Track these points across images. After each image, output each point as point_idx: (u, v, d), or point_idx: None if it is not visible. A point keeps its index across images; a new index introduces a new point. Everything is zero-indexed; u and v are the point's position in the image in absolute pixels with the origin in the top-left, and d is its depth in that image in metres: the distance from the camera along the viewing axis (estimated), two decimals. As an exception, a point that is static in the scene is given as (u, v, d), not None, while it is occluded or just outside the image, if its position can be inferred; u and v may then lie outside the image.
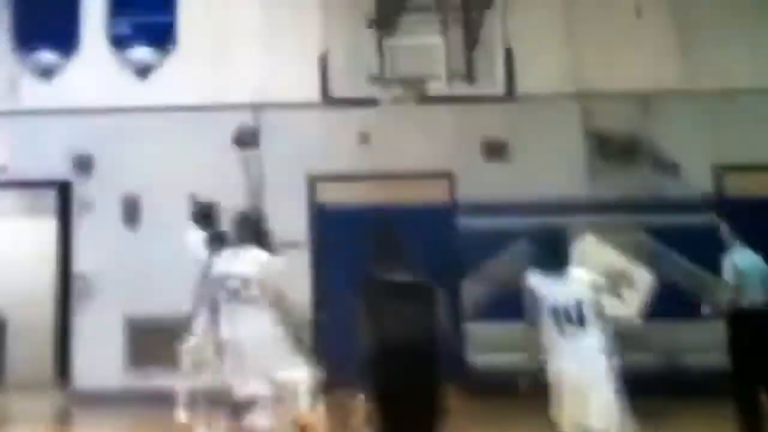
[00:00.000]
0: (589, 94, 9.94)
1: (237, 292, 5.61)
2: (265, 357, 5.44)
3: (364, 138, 9.94)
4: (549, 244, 5.34)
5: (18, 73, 10.07)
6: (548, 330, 5.08)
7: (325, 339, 9.38)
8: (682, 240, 9.88)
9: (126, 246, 9.82)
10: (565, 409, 4.98)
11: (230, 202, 9.58)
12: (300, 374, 5.68)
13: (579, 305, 5.06)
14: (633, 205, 9.90)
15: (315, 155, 9.85)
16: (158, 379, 9.32)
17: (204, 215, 7.24)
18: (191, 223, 7.35)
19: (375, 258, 5.25)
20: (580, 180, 9.90)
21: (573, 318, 5.04)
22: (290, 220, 9.86)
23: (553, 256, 5.26)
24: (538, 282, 5.18)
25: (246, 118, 9.86)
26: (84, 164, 9.93)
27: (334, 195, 9.98)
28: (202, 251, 6.81)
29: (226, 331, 5.63)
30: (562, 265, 5.26)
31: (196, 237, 7.07)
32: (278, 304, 5.53)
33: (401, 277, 4.94)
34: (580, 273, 5.27)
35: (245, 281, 5.58)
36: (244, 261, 5.67)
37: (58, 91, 10.03)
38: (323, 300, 9.82)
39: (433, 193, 9.91)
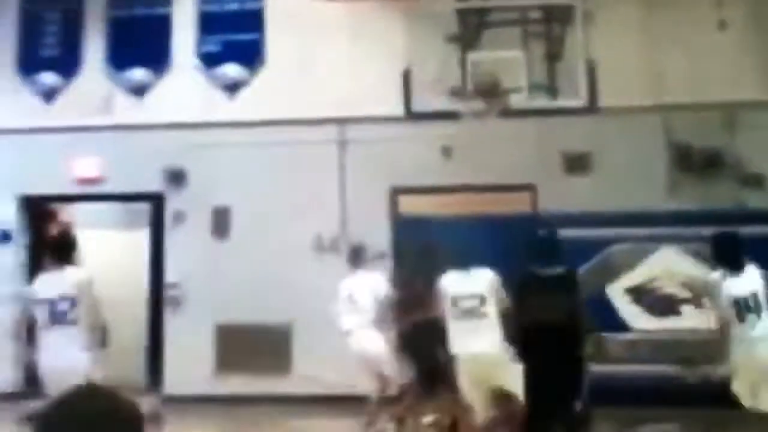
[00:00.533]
0: (671, 107, 10.02)
1: (473, 310, 6.34)
2: None
3: (447, 151, 10.18)
4: (726, 246, 6.40)
5: (112, 91, 10.56)
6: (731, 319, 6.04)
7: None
8: (765, 251, 9.89)
9: (216, 256, 10.22)
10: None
11: (317, 214, 10.13)
12: None
13: (755, 296, 6.04)
14: (714, 216, 9.91)
15: (398, 168, 10.16)
16: (246, 386, 9.72)
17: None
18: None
19: (530, 255, 6.46)
20: (661, 192, 10.02)
21: (751, 307, 5.99)
22: (374, 232, 10.24)
23: (730, 255, 6.27)
24: (719, 278, 6.21)
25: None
26: (176, 177, 10.38)
27: (416, 207, 10.25)
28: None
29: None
30: (738, 263, 6.24)
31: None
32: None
33: (551, 271, 6.12)
34: (754, 270, 6.23)
35: (482, 299, 6.34)
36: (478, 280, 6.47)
37: (150, 107, 10.52)
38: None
39: (515, 205, 10.06)
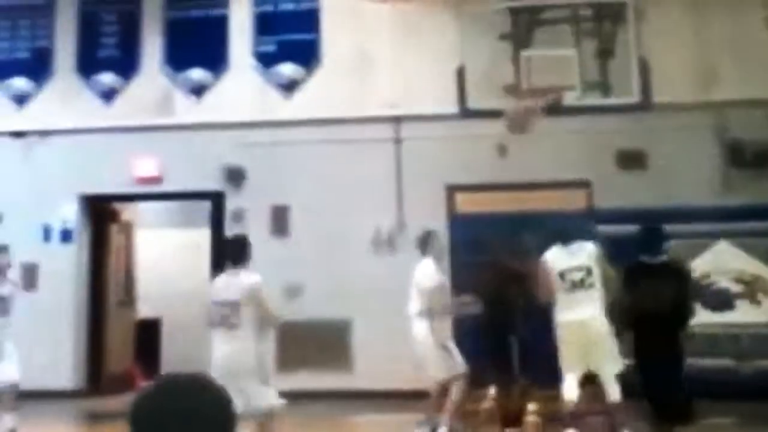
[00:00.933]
0: (723, 103, 10.23)
1: (581, 281, 7.02)
2: None
3: (502, 149, 10.39)
4: None
5: (171, 91, 10.79)
6: None
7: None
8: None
9: (275, 254, 10.42)
10: None
11: (374, 212, 10.34)
12: None
13: None
14: (766, 211, 10.12)
15: (453, 166, 10.41)
16: (307, 382, 9.93)
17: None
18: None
19: (639, 246, 6.94)
20: (714, 188, 10.24)
21: None
22: (430, 228, 10.42)
23: None
24: None
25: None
26: (235, 176, 10.60)
27: (472, 205, 10.50)
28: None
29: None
30: None
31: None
32: None
33: (658, 259, 6.64)
34: None
35: (588, 270, 7.05)
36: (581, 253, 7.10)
37: (209, 107, 10.75)
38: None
39: (570, 202, 10.31)
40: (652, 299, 6.39)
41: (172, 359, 10.65)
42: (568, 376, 6.87)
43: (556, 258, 7.15)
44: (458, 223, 10.48)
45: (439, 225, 10.33)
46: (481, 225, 10.31)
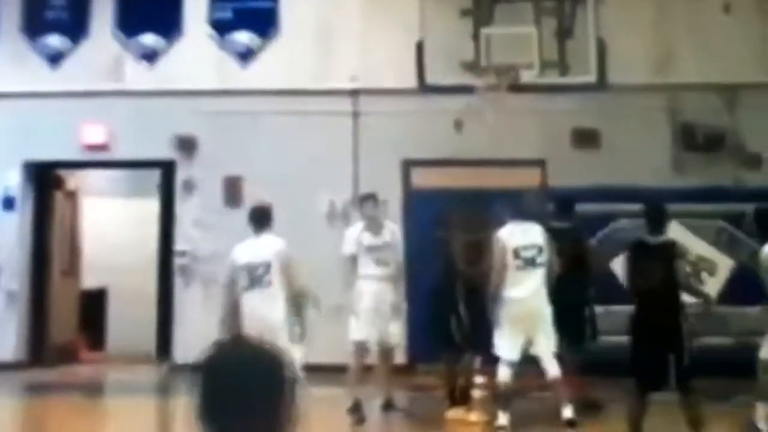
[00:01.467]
0: (678, 86, 10.51)
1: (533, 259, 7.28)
2: None
3: (458, 125, 10.43)
4: None
5: (122, 56, 10.64)
6: None
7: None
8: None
9: (227, 225, 10.27)
10: None
11: (330, 186, 10.31)
12: None
13: None
14: (715, 194, 10.38)
15: (410, 141, 10.50)
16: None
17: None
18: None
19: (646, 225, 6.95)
20: (666, 169, 10.51)
21: None
22: (385, 203, 10.44)
23: None
24: None
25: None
26: (187, 145, 10.52)
27: (428, 180, 10.57)
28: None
29: None
30: None
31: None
32: None
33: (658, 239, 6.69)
34: None
35: (539, 249, 7.34)
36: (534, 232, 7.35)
37: (161, 74, 10.61)
38: (415, 279, 10.33)
39: (525, 180, 10.37)
40: (651, 278, 6.48)
41: (118, 330, 10.50)
42: (503, 357, 6.98)
43: (511, 235, 7.23)
44: (414, 198, 10.53)
45: (395, 200, 10.49)
46: (436, 200, 10.34)
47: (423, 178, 10.58)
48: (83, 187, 11.20)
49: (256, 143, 10.39)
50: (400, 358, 10.15)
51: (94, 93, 10.40)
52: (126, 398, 9.18)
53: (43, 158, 10.46)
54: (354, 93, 10.50)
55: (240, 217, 10.28)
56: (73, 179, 11.10)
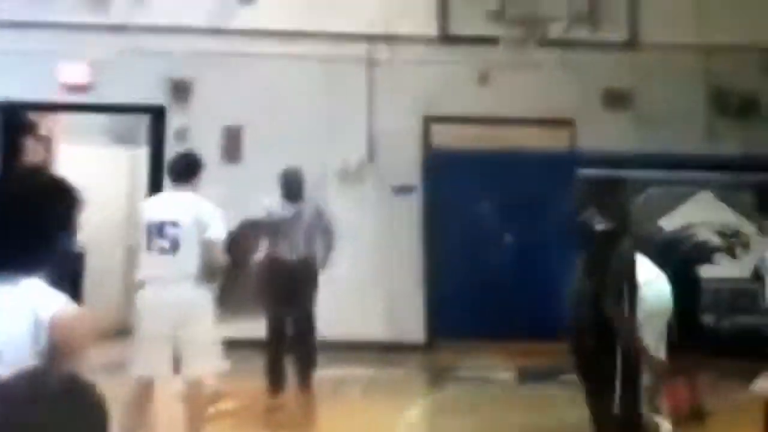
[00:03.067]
0: (714, 47, 10.26)
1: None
2: None
3: (483, 79, 10.16)
4: None
5: None
6: None
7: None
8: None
9: (224, 182, 9.45)
10: None
11: (341, 141, 9.68)
12: None
13: None
14: (750, 163, 10.15)
15: (430, 94, 10.06)
16: (251, 331, 9.07)
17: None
18: None
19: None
20: (699, 135, 10.32)
21: None
22: (403, 163, 9.97)
23: None
24: None
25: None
26: (180, 89, 9.89)
27: (449, 138, 10.14)
28: None
29: None
30: None
31: None
32: None
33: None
34: None
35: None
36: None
37: (153, 6, 9.86)
38: (434, 247, 9.82)
39: (553, 141, 10.20)
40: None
41: (97, 300, 9.49)
42: None
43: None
44: (435, 158, 10.17)
45: (413, 159, 9.95)
46: (459, 161, 9.88)
47: (444, 136, 10.14)
48: (59, 133, 10.32)
49: (259, 90, 9.82)
50: (418, 335, 9.65)
51: (75, 26, 9.61)
52: (106, 380, 8.21)
53: (13, 97, 9.52)
54: (370, 39, 10.00)
55: (239, 172, 9.60)
56: (48, 123, 10.24)
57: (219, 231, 5.46)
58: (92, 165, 9.52)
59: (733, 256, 10.15)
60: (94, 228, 9.40)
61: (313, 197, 7.98)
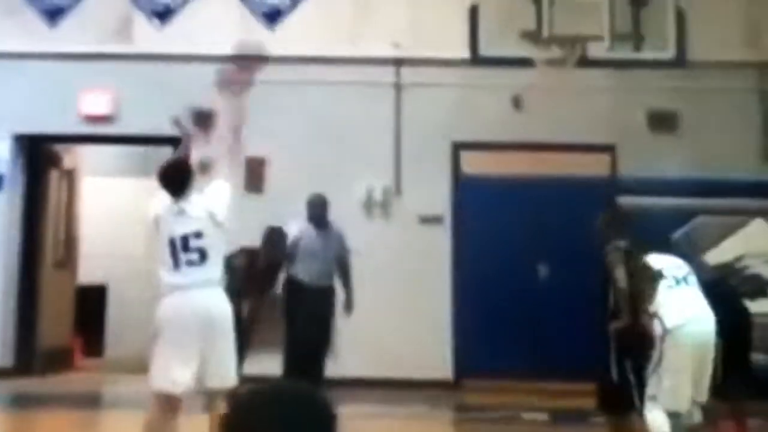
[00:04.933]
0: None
1: None
2: None
3: (516, 102, 10.23)
4: None
5: (131, 12, 10.27)
6: None
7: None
8: None
9: (247, 212, 9.62)
10: None
11: (367, 169, 9.73)
12: None
13: None
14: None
15: (460, 119, 10.15)
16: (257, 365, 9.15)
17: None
18: None
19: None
20: (753, 159, 10.19)
21: None
22: (431, 192, 10.13)
23: None
24: None
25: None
26: (203, 119, 9.98)
27: (480, 165, 10.21)
28: None
29: None
30: None
31: None
32: None
33: None
34: None
35: None
36: None
37: (175, 35, 10.24)
38: (464, 281, 9.80)
39: (592, 168, 10.17)
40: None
41: (119, 333, 9.84)
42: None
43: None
44: (464, 186, 10.25)
45: (443, 188, 9.97)
46: (490, 190, 9.89)
47: (475, 164, 10.22)
48: (82, 165, 10.84)
49: (283, 119, 10.08)
50: (445, 372, 9.64)
51: (97, 56, 10.04)
52: (126, 413, 8.55)
53: (37, 130, 10.07)
54: (397, 62, 10.22)
55: (263, 204, 9.73)
56: (71, 156, 10.71)
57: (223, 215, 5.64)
58: (114, 197, 9.85)
59: (789, 290, 9.88)
60: (119, 260, 9.75)
61: (338, 226, 8.39)
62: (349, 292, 8.17)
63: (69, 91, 9.96)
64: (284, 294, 8.23)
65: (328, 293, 7.94)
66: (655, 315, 6.06)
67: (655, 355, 6.00)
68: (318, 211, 8.01)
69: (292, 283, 8.04)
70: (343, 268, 8.13)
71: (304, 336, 7.77)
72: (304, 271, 7.90)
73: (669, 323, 6.09)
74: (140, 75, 10.01)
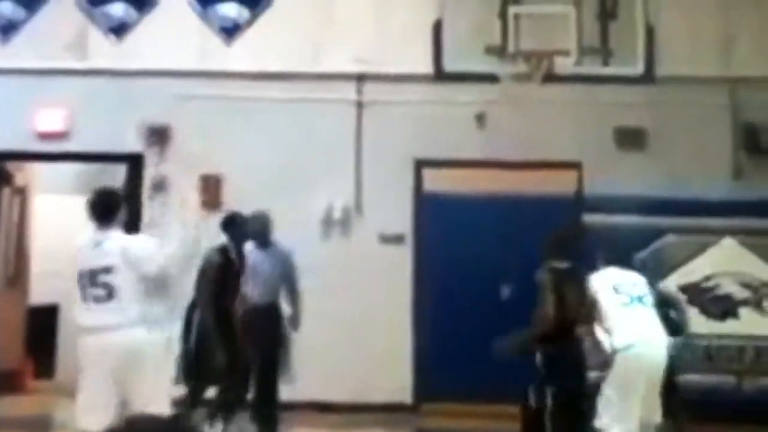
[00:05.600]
0: (740, 80, 10.10)
1: None
2: None
3: (481, 119, 10.15)
4: None
5: (86, 28, 10.22)
6: None
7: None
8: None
9: (205, 232, 9.50)
10: None
11: (326, 188, 9.68)
12: None
13: None
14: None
15: (423, 136, 10.12)
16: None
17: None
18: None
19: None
20: (723, 177, 10.11)
21: None
22: (392, 210, 10.23)
23: None
24: None
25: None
26: (159, 136, 10.09)
27: (443, 183, 10.12)
28: None
29: None
30: None
31: None
32: None
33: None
34: None
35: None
36: None
37: (131, 50, 10.26)
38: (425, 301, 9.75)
39: (558, 185, 10.02)
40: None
41: (72, 355, 9.63)
42: None
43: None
44: (427, 204, 10.18)
45: (404, 206, 10.06)
46: (453, 208, 9.96)
47: (438, 182, 10.14)
48: (35, 183, 10.82)
49: (240, 136, 10.11)
50: (404, 395, 9.57)
51: (51, 71, 10.06)
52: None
53: None
54: (359, 78, 10.20)
55: (218, 222, 9.62)
56: (23, 173, 10.70)
57: (156, 261, 5.45)
58: (67, 215, 9.74)
59: (760, 310, 9.78)
60: (70, 280, 9.60)
61: (282, 244, 8.33)
62: (295, 308, 8.13)
63: (22, 107, 9.95)
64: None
65: (272, 312, 7.92)
66: (605, 332, 6.01)
67: (605, 374, 5.94)
68: (261, 230, 7.98)
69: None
70: (289, 285, 8.13)
71: (250, 357, 7.75)
72: (249, 290, 7.88)
73: (619, 342, 6.02)
74: (95, 91, 10.03)
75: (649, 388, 6.08)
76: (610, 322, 6.15)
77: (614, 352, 6.08)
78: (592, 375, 6.32)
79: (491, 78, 9.66)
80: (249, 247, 8.05)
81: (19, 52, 10.15)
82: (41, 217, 10.84)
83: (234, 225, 7.99)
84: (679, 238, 9.89)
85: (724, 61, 10.06)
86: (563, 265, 6.41)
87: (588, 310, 6.17)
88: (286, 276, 8.11)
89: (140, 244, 5.62)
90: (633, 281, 6.44)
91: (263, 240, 8.05)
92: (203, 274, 7.63)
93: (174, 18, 10.20)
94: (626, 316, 6.23)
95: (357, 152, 10.10)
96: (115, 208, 5.79)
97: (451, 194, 10.00)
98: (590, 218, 9.86)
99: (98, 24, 10.18)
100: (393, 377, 9.70)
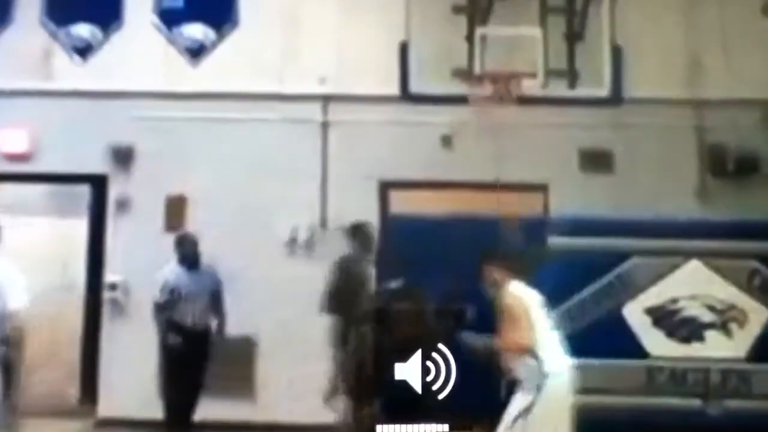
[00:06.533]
0: (706, 102, 10.33)
1: None
2: None
3: (447, 141, 10.35)
4: None
5: (51, 48, 10.37)
6: None
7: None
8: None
9: (167, 253, 9.69)
10: None
11: (291, 209, 9.82)
12: None
13: None
14: (749, 229, 9.89)
15: (389, 158, 10.27)
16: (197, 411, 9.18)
17: None
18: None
19: None
20: (690, 198, 10.32)
21: None
22: None
23: None
24: None
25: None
26: (123, 157, 10.28)
27: (409, 205, 10.30)
28: None
29: None
30: None
31: None
32: None
33: None
34: None
35: None
36: None
37: (95, 71, 10.36)
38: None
39: (524, 207, 10.14)
40: None
41: (34, 376, 9.78)
42: None
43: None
44: (392, 226, 10.34)
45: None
46: (419, 230, 10.06)
47: (403, 203, 10.36)
48: None
49: (204, 157, 10.31)
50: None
51: (14, 92, 10.25)
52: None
53: None
54: (325, 99, 10.43)
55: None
56: None
57: (19, 299, 5.57)
58: (31, 236, 9.86)
59: (726, 333, 9.88)
60: (34, 300, 9.72)
61: (208, 263, 8.72)
62: (221, 319, 8.60)
63: (-16, 128, 10.44)
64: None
65: (205, 337, 8.37)
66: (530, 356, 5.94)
67: (527, 400, 5.92)
68: (189, 251, 8.23)
69: (172, 327, 8.40)
70: (215, 300, 8.56)
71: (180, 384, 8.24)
72: (183, 314, 8.29)
73: (548, 368, 5.98)
74: (60, 112, 10.23)
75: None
76: (539, 345, 6.12)
77: (543, 376, 5.98)
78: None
79: (458, 100, 9.89)
80: (175, 271, 8.39)
81: (-19, 71, 10.72)
82: (3, 239, 10.49)
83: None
84: (645, 260, 10.00)
85: (690, 83, 10.28)
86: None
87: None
88: (214, 292, 8.51)
89: (9, 276, 5.64)
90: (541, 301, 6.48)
91: (193, 262, 8.41)
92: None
93: (139, 39, 10.35)
94: (552, 340, 6.23)
95: (323, 173, 10.28)
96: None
97: (417, 216, 10.08)
98: (556, 241, 10.19)
99: (63, 44, 10.32)
100: (357, 399, 9.97)
